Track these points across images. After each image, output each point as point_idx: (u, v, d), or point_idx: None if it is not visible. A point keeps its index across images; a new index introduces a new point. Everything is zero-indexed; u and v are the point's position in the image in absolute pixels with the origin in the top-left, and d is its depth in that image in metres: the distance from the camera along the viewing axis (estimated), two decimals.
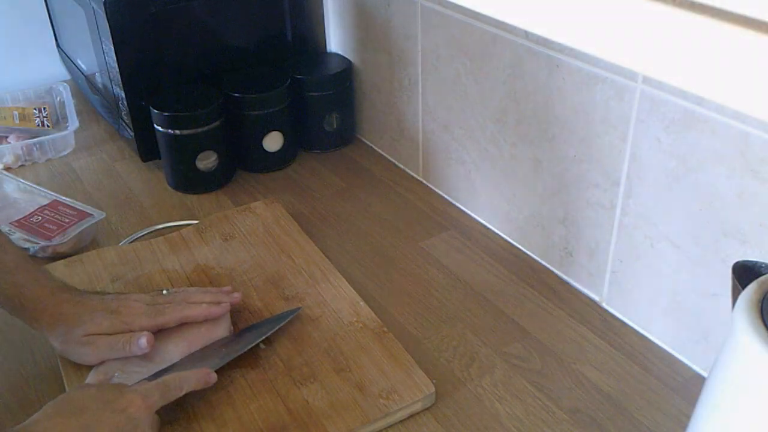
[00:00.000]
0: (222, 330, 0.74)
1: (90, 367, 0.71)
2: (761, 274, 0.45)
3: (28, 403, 0.71)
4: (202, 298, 0.75)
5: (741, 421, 0.43)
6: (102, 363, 0.70)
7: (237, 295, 0.78)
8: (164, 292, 0.77)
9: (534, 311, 0.81)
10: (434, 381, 0.70)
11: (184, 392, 0.65)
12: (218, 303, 0.75)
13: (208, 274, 0.85)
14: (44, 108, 1.20)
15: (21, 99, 1.25)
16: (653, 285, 0.75)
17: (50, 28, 1.37)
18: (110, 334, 0.70)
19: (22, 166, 1.13)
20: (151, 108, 1.01)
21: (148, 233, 0.96)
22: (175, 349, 0.72)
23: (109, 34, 0.98)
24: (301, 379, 0.71)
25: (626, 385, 0.71)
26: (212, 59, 1.09)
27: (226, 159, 1.05)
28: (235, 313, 0.79)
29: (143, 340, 0.69)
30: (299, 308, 0.79)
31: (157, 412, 0.63)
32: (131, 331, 0.70)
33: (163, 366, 0.70)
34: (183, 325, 0.73)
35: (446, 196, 1.03)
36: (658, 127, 0.68)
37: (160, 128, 1.01)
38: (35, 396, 0.72)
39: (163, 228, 0.97)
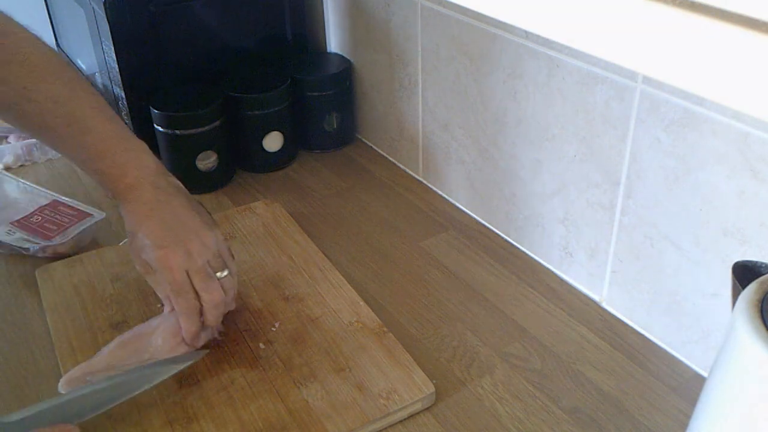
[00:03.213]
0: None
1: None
2: (761, 274, 0.45)
3: (28, 402, 0.71)
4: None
5: (741, 421, 0.43)
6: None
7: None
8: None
9: (534, 311, 0.81)
10: (434, 381, 0.70)
11: None
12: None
13: None
14: None
15: None
16: (653, 285, 0.75)
17: (50, 28, 1.36)
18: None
19: (22, 166, 1.13)
20: (151, 108, 1.01)
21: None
22: (162, 340, 0.71)
23: (109, 34, 0.98)
24: (301, 379, 0.71)
25: (626, 385, 0.71)
26: (212, 59, 1.09)
27: (226, 159, 1.05)
28: (236, 312, 0.79)
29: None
30: (202, 354, 0.73)
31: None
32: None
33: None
34: (167, 317, 0.72)
35: (446, 196, 1.03)
36: (658, 127, 0.68)
37: (160, 128, 1.01)
38: (35, 396, 0.72)
39: None
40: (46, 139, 0.77)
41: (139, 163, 0.73)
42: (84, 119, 0.72)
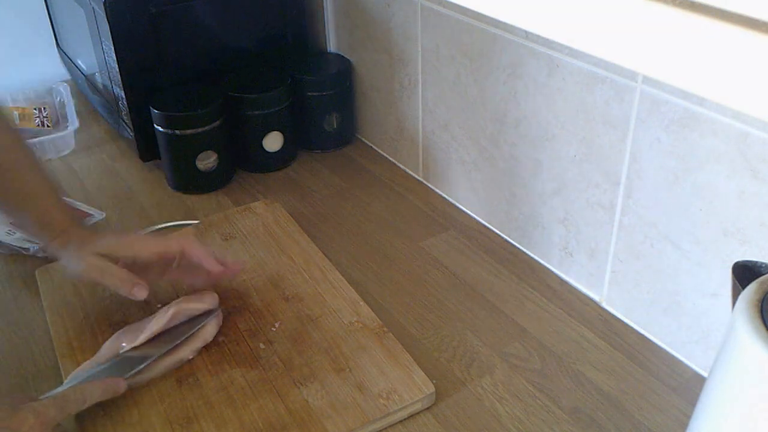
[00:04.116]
0: (207, 304, 0.75)
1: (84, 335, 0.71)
2: (761, 274, 0.45)
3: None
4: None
5: (741, 421, 0.43)
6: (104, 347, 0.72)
7: (235, 266, 0.81)
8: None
9: (534, 311, 0.81)
10: (434, 381, 0.70)
11: (88, 404, 0.65)
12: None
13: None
14: (44, 108, 1.20)
15: (21, 99, 1.25)
16: (653, 285, 0.75)
17: (50, 28, 1.36)
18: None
19: None
20: (151, 108, 1.01)
21: (148, 233, 0.96)
22: (161, 317, 0.73)
23: (109, 34, 0.98)
24: (301, 379, 0.71)
25: (626, 385, 0.71)
26: (212, 59, 1.09)
27: (226, 159, 1.05)
28: (236, 312, 0.79)
29: (143, 292, 0.73)
30: (216, 310, 0.77)
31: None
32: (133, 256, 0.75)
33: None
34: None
35: (446, 196, 1.03)
36: (658, 127, 0.68)
37: (160, 128, 1.01)
38: (35, 395, 0.72)
39: (163, 228, 0.97)
40: None
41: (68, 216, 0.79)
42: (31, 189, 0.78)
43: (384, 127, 1.12)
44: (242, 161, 1.10)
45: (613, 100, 0.71)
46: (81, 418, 0.67)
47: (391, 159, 1.13)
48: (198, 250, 0.77)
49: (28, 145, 0.80)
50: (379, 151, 1.16)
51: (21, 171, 0.77)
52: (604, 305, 0.82)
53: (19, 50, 1.36)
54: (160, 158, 1.06)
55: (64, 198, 0.96)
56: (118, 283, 0.73)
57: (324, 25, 1.19)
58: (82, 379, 0.68)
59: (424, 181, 1.07)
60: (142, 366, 0.70)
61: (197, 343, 0.73)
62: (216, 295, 0.77)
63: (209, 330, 0.74)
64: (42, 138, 1.13)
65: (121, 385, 0.68)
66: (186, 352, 0.72)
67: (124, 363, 0.70)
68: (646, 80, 0.67)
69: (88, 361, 0.71)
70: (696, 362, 0.73)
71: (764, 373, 0.40)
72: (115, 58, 1.00)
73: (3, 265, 0.90)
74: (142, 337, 0.71)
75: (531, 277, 0.87)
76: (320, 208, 1.01)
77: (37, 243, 0.89)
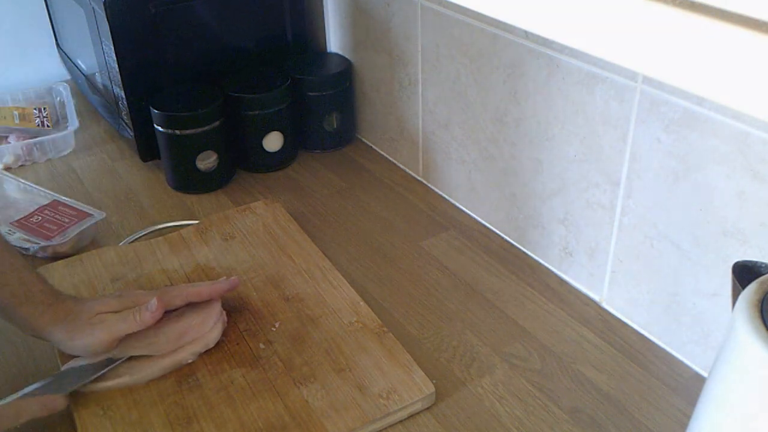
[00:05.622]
0: (211, 322, 0.74)
1: None
2: (761, 274, 0.45)
3: None
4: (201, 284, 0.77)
5: (741, 421, 0.43)
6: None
7: (234, 279, 0.78)
8: None
9: (534, 311, 0.81)
10: (434, 381, 0.70)
11: (22, 421, 0.62)
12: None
13: (208, 274, 0.85)
14: (44, 108, 1.20)
15: (21, 99, 1.25)
16: (653, 285, 0.75)
17: (50, 28, 1.36)
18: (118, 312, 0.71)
19: (22, 166, 1.13)
20: (151, 108, 1.01)
21: (148, 233, 0.96)
22: (165, 340, 0.72)
23: (109, 34, 0.98)
24: (301, 379, 0.71)
25: (626, 385, 0.71)
26: (212, 59, 1.09)
27: (226, 159, 1.05)
28: (236, 312, 0.79)
29: (153, 302, 0.70)
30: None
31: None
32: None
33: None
34: (176, 318, 0.73)
35: (446, 196, 1.03)
36: (658, 127, 0.68)
37: (160, 128, 1.01)
38: None
39: (163, 228, 0.97)
40: None
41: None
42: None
43: (384, 127, 1.12)
44: (242, 161, 1.10)
45: (613, 100, 0.72)
46: (82, 418, 0.67)
47: (391, 159, 1.13)
48: (205, 290, 0.75)
49: None
50: (379, 151, 1.16)
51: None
52: (604, 305, 0.82)
53: (19, 50, 1.36)
54: (160, 158, 1.06)
55: (65, 199, 0.97)
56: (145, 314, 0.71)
57: (324, 25, 1.19)
58: (21, 395, 0.66)
59: (424, 181, 1.07)
60: (86, 381, 0.68)
61: (198, 347, 0.73)
62: (217, 306, 0.76)
63: (212, 335, 0.74)
64: (42, 138, 1.13)
65: (59, 402, 0.65)
66: (186, 354, 0.72)
67: (69, 375, 0.69)
68: (646, 80, 0.67)
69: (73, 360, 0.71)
70: (696, 362, 0.73)
71: (764, 373, 0.40)
72: (115, 58, 1.00)
73: None
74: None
75: (531, 277, 0.87)
76: (320, 208, 1.01)
77: (37, 243, 0.89)
